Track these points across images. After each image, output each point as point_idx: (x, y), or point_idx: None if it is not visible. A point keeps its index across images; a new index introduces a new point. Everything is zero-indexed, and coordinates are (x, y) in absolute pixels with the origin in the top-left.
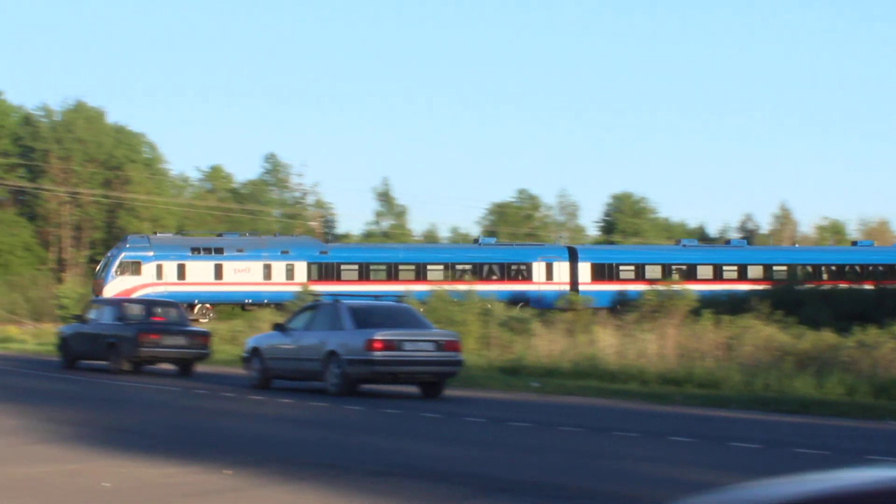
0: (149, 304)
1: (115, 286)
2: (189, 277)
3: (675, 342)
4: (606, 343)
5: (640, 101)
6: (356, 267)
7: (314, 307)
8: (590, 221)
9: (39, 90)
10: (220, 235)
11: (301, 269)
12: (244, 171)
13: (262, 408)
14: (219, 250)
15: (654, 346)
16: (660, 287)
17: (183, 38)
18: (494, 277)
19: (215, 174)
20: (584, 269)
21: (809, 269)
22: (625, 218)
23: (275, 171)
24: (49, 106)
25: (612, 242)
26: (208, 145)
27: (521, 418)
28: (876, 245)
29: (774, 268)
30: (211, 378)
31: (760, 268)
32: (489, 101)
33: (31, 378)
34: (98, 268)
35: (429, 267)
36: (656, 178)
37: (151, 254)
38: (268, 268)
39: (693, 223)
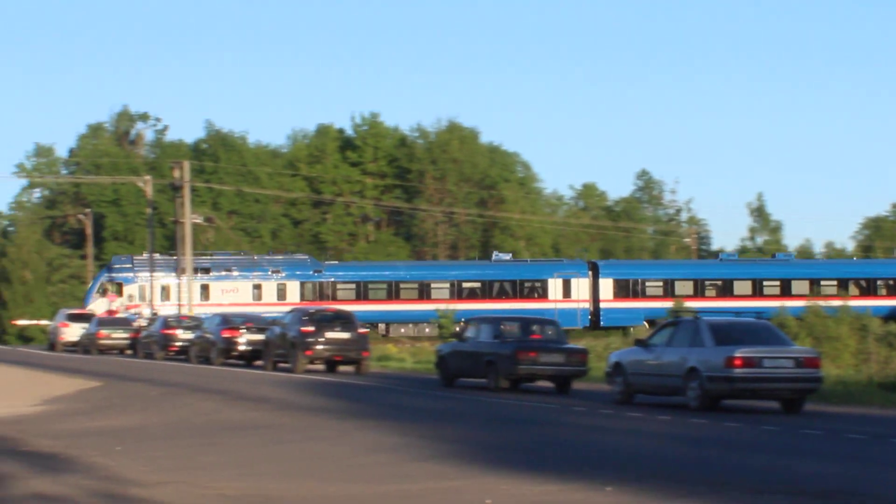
0: (527, 321)
1: (95, 308)
2: (174, 298)
3: None
4: None
5: None
6: (353, 286)
7: (674, 324)
8: None
9: (414, 112)
10: (211, 255)
11: (294, 288)
12: (617, 188)
13: (639, 424)
14: (205, 270)
15: None
16: None
17: (553, 57)
18: (506, 296)
19: (588, 192)
20: (607, 286)
21: (864, 283)
22: None
23: (648, 188)
24: (424, 127)
25: None
26: (581, 163)
27: None
28: None
29: (822, 283)
30: (587, 395)
31: (806, 283)
32: (865, 111)
33: (410, 396)
34: (88, 289)
35: (433, 285)
36: None
37: (134, 275)
38: (258, 288)
39: None
